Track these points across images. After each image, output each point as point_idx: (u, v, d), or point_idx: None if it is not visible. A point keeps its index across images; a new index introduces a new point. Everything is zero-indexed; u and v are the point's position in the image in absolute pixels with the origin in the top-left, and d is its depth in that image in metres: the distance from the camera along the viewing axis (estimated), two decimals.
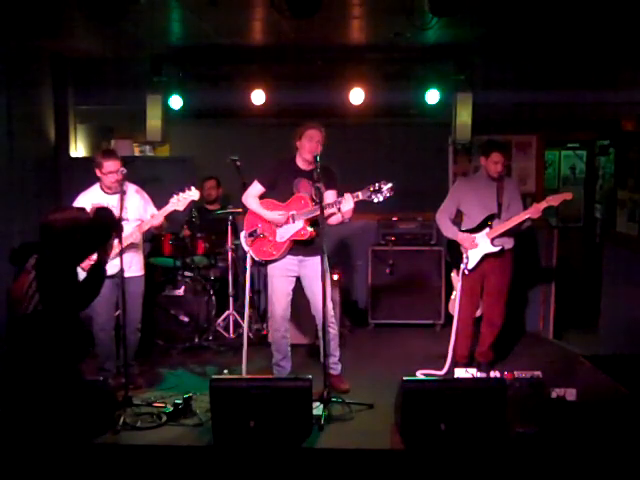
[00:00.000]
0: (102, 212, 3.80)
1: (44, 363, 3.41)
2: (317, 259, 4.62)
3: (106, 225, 3.73)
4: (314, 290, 4.65)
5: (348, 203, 4.44)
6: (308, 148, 4.60)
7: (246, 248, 4.83)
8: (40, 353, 3.40)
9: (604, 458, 3.61)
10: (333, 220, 4.68)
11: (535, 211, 4.81)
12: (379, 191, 4.34)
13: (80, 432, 3.69)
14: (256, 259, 4.81)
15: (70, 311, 3.50)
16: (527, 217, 4.86)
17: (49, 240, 3.49)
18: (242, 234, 4.87)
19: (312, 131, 4.62)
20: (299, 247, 4.68)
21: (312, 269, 4.65)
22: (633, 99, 6.11)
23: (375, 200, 4.35)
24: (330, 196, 4.64)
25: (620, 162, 6.13)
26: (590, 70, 6.41)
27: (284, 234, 4.68)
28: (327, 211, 4.52)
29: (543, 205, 4.81)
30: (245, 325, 5.08)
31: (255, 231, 4.76)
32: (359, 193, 4.41)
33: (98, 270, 3.71)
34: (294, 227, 4.64)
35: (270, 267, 4.81)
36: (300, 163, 4.72)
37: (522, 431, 3.84)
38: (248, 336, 5.94)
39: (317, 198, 4.42)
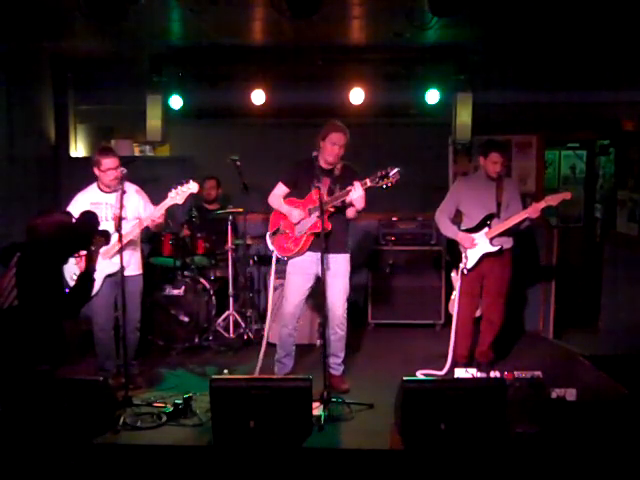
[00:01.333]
0: (86, 216, 3.89)
1: (11, 359, 3.48)
2: (338, 257, 4.71)
3: (87, 229, 3.82)
4: (331, 289, 4.67)
5: (357, 191, 4.49)
6: (329, 151, 4.63)
7: (271, 247, 4.91)
8: (9, 349, 3.48)
9: (604, 458, 3.61)
10: (349, 213, 4.74)
11: (533, 211, 4.81)
12: (386, 176, 4.40)
13: (80, 432, 3.70)
14: (279, 256, 4.88)
15: (47, 312, 3.57)
16: (526, 217, 4.86)
17: (33, 242, 3.62)
18: (267, 235, 4.95)
19: (336, 135, 4.63)
20: (320, 243, 4.67)
21: (331, 267, 4.67)
22: (633, 99, 6.11)
23: (384, 186, 4.41)
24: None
25: (620, 162, 6.14)
26: (590, 70, 6.41)
27: (302, 228, 4.73)
28: (338, 202, 4.60)
29: (542, 205, 4.82)
30: (267, 324, 5.12)
31: (278, 229, 4.85)
32: (367, 180, 4.48)
33: (86, 279, 3.82)
34: (311, 220, 4.69)
35: (289, 264, 4.85)
36: (321, 162, 4.72)
37: (522, 431, 3.83)
38: (248, 336, 6.00)
39: (320, 197, 4.44)
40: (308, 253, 4.76)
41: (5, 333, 3.52)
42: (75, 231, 3.73)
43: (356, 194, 4.49)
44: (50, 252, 3.62)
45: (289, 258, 4.83)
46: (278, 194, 4.87)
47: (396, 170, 4.39)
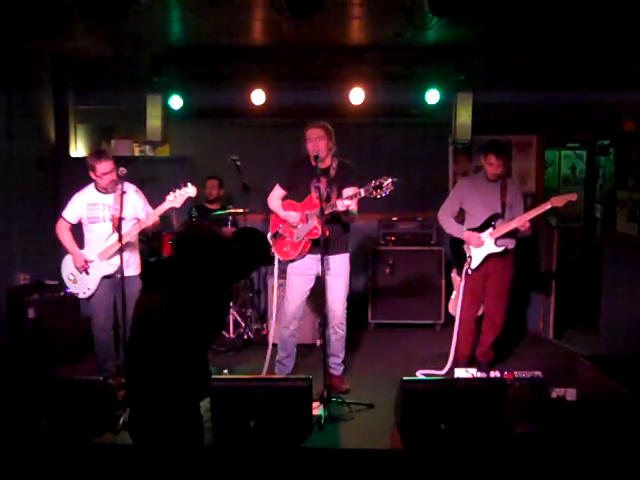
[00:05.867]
0: (248, 234, 3.56)
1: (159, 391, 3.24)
2: (337, 258, 4.72)
3: (259, 250, 3.50)
4: (331, 289, 4.67)
5: (345, 203, 4.45)
6: (311, 148, 4.64)
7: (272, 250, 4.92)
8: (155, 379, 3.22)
9: (604, 458, 3.61)
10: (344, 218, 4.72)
11: (540, 211, 4.80)
12: (380, 187, 4.32)
13: (80, 432, 3.69)
14: (280, 259, 4.88)
15: (197, 344, 3.25)
16: (534, 217, 4.85)
17: (183, 259, 3.25)
18: (268, 236, 4.95)
19: (310, 131, 4.68)
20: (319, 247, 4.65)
21: (332, 267, 4.67)
22: (633, 99, 6.10)
23: (378, 196, 4.34)
24: (349, 193, 4.63)
25: (620, 162, 6.12)
26: (590, 70, 6.41)
27: (300, 234, 4.72)
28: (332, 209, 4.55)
29: (547, 206, 4.81)
30: (272, 324, 5.16)
31: (277, 232, 4.85)
32: (361, 191, 4.42)
33: (223, 297, 3.47)
34: (308, 226, 4.69)
35: (290, 265, 4.85)
36: (314, 163, 4.71)
37: (522, 431, 3.83)
38: (248, 336, 6.00)
39: (320, 198, 4.43)
40: (308, 255, 4.76)
41: (154, 359, 3.21)
42: (236, 250, 3.47)
43: (341, 207, 4.43)
44: (205, 273, 3.17)
45: (289, 262, 4.83)
46: (276, 196, 4.88)
47: (390, 180, 4.30)
